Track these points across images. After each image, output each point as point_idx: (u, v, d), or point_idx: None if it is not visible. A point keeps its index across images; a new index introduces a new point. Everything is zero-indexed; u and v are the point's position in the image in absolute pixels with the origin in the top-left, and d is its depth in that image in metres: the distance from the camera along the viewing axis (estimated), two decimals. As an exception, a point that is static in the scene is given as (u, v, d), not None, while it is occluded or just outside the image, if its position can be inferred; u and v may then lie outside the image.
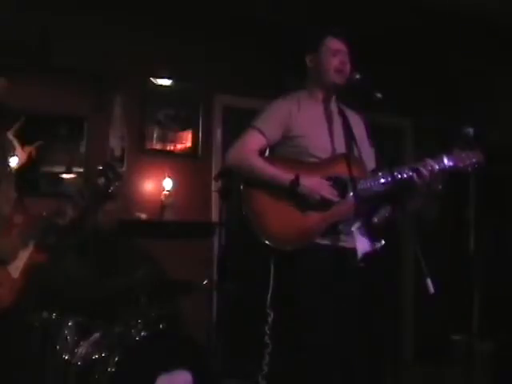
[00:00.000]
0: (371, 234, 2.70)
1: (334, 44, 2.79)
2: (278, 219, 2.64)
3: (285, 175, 2.64)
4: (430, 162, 2.68)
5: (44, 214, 2.74)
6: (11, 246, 2.60)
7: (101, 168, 2.82)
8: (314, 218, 2.65)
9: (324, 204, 2.64)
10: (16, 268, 2.59)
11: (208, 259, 4.69)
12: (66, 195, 3.42)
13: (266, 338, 2.70)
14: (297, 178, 2.62)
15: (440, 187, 2.75)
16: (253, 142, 2.75)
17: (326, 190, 2.65)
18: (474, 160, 2.73)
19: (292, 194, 2.64)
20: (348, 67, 2.78)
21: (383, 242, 2.70)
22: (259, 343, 2.76)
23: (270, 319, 2.69)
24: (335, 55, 2.77)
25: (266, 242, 2.62)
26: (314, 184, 2.64)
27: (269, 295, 2.71)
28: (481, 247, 3.37)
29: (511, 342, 4.43)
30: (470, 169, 2.73)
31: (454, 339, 4.64)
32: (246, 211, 2.66)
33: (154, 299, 3.36)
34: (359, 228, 2.71)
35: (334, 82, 2.78)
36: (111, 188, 2.81)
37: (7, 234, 2.61)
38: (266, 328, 2.70)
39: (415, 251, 2.48)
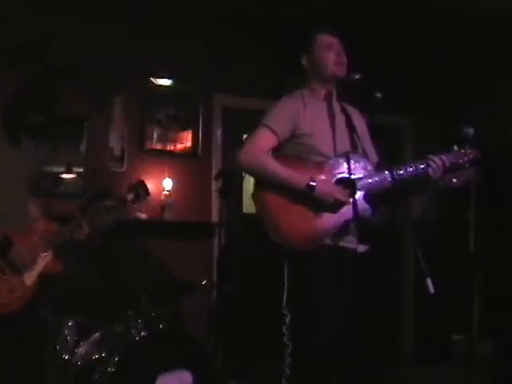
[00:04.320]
0: (360, 235, 2.72)
1: (326, 39, 2.83)
2: (292, 220, 2.64)
3: (300, 178, 2.64)
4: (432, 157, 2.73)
5: (63, 227, 2.71)
6: (31, 254, 2.56)
7: (132, 185, 2.88)
8: (326, 219, 2.66)
9: (336, 205, 2.65)
10: (30, 276, 2.55)
11: (208, 259, 4.69)
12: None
13: (286, 338, 2.68)
14: (312, 182, 2.63)
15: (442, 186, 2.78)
16: (265, 142, 2.73)
17: (339, 192, 2.66)
18: (471, 156, 2.80)
19: (304, 196, 2.64)
20: (344, 58, 2.80)
21: (366, 247, 2.73)
22: (267, 343, 2.74)
23: (287, 320, 2.68)
24: (330, 49, 2.80)
25: (281, 243, 2.63)
26: (329, 187, 2.66)
27: (284, 296, 2.70)
28: (481, 247, 3.37)
29: (511, 342, 4.43)
30: (467, 165, 2.81)
31: (454, 339, 4.64)
32: (259, 212, 2.67)
33: (154, 299, 3.36)
34: (354, 228, 2.73)
35: (336, 74, 2.79)
36: (137, 205, 2.87)
37: (28, 241, 2.57)
38: (284, 329, 2.68)
39: (415, 251, 2.48)
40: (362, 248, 2.74)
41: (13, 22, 4.06)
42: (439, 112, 5.46)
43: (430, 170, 2.70)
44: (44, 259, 2.61)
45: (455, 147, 2.81)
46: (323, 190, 2.63)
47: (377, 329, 2.78)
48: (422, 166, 2.71)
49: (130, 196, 2.85)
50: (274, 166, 2.68)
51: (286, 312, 2.68)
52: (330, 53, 2.79)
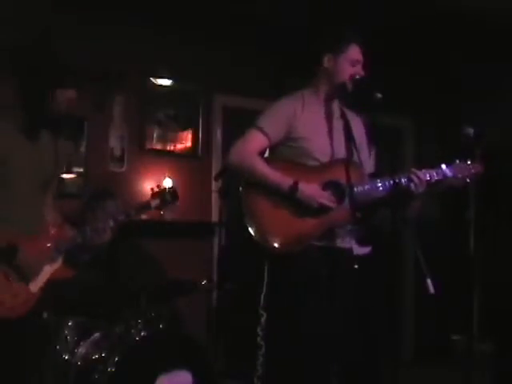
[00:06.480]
0: (359, 238, 2.72)
1: (356, 54, 2.77)
2: (276, 222, 2.64)
3: (284, 180, 2.64)
4: (429, 172, 2.70)
5: (81, 230, 2.55)
6: (38, 260, 2.43)
7: (157, 190, 2.76)
8: (311, 222, 2.65)
9: (322, 210, 2.64)
10: (36, 282, 2.44)
11: (208, 259, 4.69)
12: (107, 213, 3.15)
13: (259, 339, 2.69)
14: (296, 184, 2.62)
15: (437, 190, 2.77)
16: (255, 143, 2.73)
17: (324, 197, 2.64)
18: (472, 171, 2.75)
19: (290, 199, 2.63)
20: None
21: (367, 249, 2.72)
22: (252, 344, 2.76)
23: (262, 320, 2.69)
24: (354, 65, 2.75)
25: (262, 243, 2.63)
26: (313, 191, 2.64)
27: (262, 296, 2.70)
28: (481, 247, 3.37)
29: (511, 343, 4.43)
30: (468, 180, 2.75)
31: (454, 339, 4.64)
32: (245, 212, 2.67)
33: (155, 299, 3.36)
34: (350, 230, 2.72)
35: (343, 84, 2.77)
36: (162, 211, 2.77)
37: (38, 246, 2.43)
38: (259, 329, 2.70)
39: (415, 251, 2.48)
40: (362, 251, 2.73)
41: (13, 22, 4.06)
42: (439, 112, 5.46)
43: (411, 186, 2.65)
44: (53, 266, 2.48)
45: (457, 161, 2.74)
46: (307, 193, 2.62)
47: (376, 329, 2.77)
48: (404, 181, 2.65)
49: (155, 202, 2.75)
50: (261, 167, 2.68)
51: (262, 312, 2.69)
52: (353, 69, 2.75)
